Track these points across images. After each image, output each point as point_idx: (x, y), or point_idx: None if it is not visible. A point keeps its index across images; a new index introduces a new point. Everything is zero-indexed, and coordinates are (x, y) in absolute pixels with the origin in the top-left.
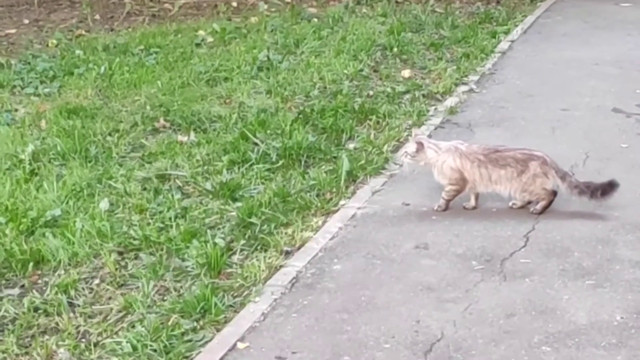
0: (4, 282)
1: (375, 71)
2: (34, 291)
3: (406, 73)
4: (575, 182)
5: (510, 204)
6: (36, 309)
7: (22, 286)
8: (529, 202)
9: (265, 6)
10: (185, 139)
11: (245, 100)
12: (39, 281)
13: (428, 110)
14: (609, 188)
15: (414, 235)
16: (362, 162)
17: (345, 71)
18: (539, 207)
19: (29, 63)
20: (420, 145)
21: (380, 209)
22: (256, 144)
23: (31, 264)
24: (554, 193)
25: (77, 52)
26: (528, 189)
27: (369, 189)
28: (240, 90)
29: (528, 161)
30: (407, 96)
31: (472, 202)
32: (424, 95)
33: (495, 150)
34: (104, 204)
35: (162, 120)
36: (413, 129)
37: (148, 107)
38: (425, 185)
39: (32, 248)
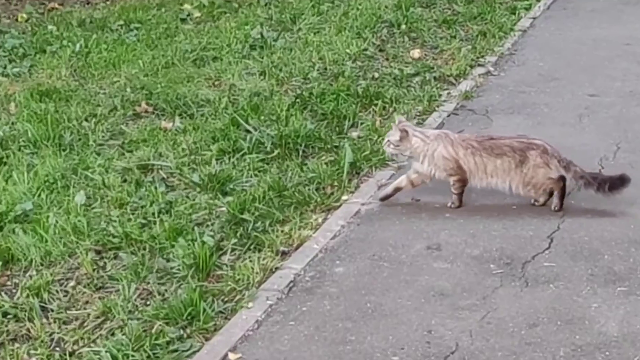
0: None
1: (381, 51)
2: (3, 294)
3: (416, 53)
4: (581, 172)
5: (532, 201)
6: (5, 314)
7: None
8: (546, 200)
9: None
10: (169, 125)
11: (236, 82)
12: (8, 283)
13: (440, 95)
14: (618, 182)
15: (425, 235)
16: (367, 152)
17: (348, 50)
18: (556, 201)
19: None
20: (404, 133)
21: (387, 205)
22: (249, 131)
23: None
24: (562, 178)
25: (50, 27)
26: (531, 182)
27: (375, 183)
28: (230, 71)
29: (527, 150)
30: (417, 79)
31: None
32: (435, 78)
33: (489, 138)
34: (79, 198)
35: (143, 104)
36: (396, 115)
37: (128, 90)
38: (438, 179)
39: (0, 246)
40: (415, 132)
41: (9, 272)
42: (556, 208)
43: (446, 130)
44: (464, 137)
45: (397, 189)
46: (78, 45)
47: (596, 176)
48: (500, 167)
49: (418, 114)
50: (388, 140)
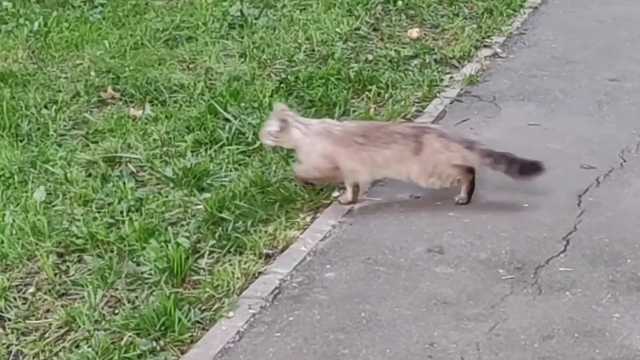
0: None
1: (375, 30)
2: None
3: (414, 33)
4: (488, 150)
5: (455, 199)
6: None
7: None
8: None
9: None
10: (139, 113)
11: (213, 65)
12: None
13: (442, 80)
14: (530, 168)
15: (426, 236)
16: None
17: (338, 30)
18: (463, 195)
19: None
20: (284, 123)
21: (383, 202)
22: (227, 120)
23: None
24: (471, 170)
25: (5, 4)
26: (435, 172)
27: None
28: (207, 52)
29: (421, 135)
30: (416, 61)
31: (349, 196)
32: (436, 61)
33: (378, 127)
34: (39, 194)
35: (110, 90)
36: (275, 103)
37: (93, 74)
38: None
39: None
40: (296, 122)
41: None
42: (460, 202)
43: (330, 124)
44: (347, 132)
45: (357, 188)
46: (36, 24)
47: (506, 154)
48: (391, 156)
49: (417, 100)
50: (267, 132)
